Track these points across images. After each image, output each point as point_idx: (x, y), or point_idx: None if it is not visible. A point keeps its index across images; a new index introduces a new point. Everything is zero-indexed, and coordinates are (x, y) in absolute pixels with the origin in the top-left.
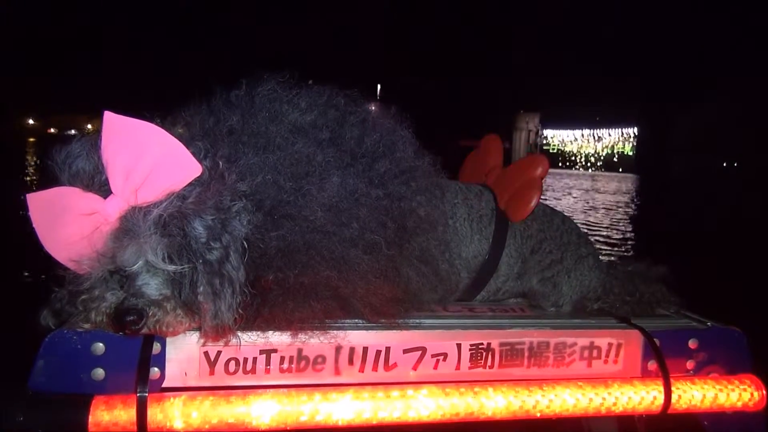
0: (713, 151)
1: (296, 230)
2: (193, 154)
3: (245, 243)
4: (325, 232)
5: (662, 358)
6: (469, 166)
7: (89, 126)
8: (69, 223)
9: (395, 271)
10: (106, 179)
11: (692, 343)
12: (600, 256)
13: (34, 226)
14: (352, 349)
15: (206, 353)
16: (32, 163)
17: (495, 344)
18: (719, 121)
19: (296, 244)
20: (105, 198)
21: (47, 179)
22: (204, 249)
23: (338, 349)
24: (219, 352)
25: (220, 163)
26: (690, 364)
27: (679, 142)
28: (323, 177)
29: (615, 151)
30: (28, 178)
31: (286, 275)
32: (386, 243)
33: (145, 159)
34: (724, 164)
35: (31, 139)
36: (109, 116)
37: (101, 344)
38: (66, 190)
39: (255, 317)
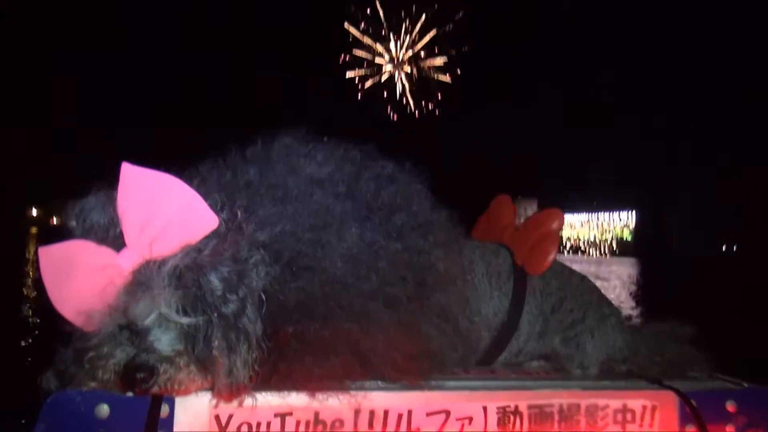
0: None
1: (315, 282)
2: (210, 206)
3: (263, 295)
4: (344, 285)
5: (702, 421)
6: (482, 227)
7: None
8: (80, 278)
9: (416, 327)
10: (121, 232)
11: (730, 406)
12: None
13: (43, 281)
14: (372, 412)
15: (217, 417)
16: (32, 257)
17: (523, 407)
18: (718, 204)
19: (315, 296)
20: (118, 251)
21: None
22: (220, 302)
23: (357, 411)
24: (231, 416)
25: (239, 212)
26: (730, 428)
27: (678, 225)
28: (342, 228)
29: (613, 235)
30: (28, 273)
31: (306, 328)
32: (406, 297)
33: (162, 210)
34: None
35: (34, 230)
36: (126, 168)
37: (106, 406)
38: (78, 244)
39: (271, 374)
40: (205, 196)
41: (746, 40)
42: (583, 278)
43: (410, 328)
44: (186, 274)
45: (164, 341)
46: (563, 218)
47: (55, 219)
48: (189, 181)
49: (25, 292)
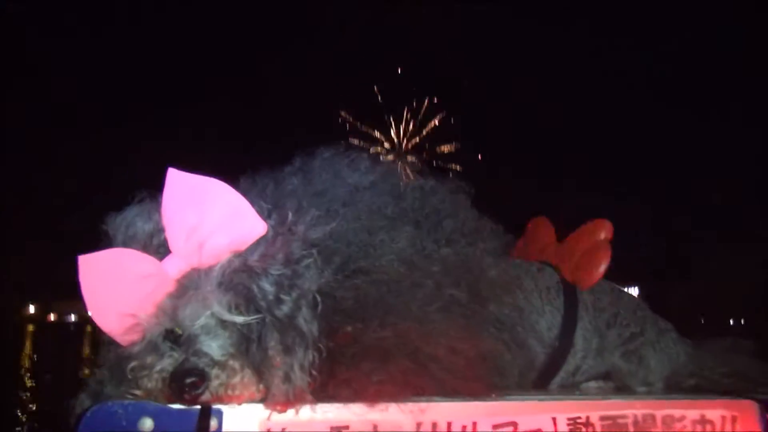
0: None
1: (370, 282)
2: (257, 212)
3: (317, 296)
4: (399, 288)
5: None
6: (521, 250)
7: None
8: (122, 287)
9: (475, 332)
10: (165, 240)
11: None
12: None
13: (82, 290)
14: (434, 425)
15: (269, 431)
16: (29, 354)
17: (595, 418)
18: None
19: (371, 297)
20: (161, 260)
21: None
22: (273, 303)
23: (419, 425)
24: (284, 430)
25: (289, 214)
26: None
27: (683, 301)
28: (393, 231)
29: None
30: (23, 370)
31: (363, 328)
32: (462, 303)
33: (209, 217)
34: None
35: (30, 328)
36: (172, 173)
37: (149, 420)
38: (121, 252)
39: (328, 380)
40: (253, 202)
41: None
42: (633, 296)
43: (469, 334)
44: (236, 278)
45: (215, 346)
46: (611, 227)
47: (52, 316)
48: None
49: (21, 394)
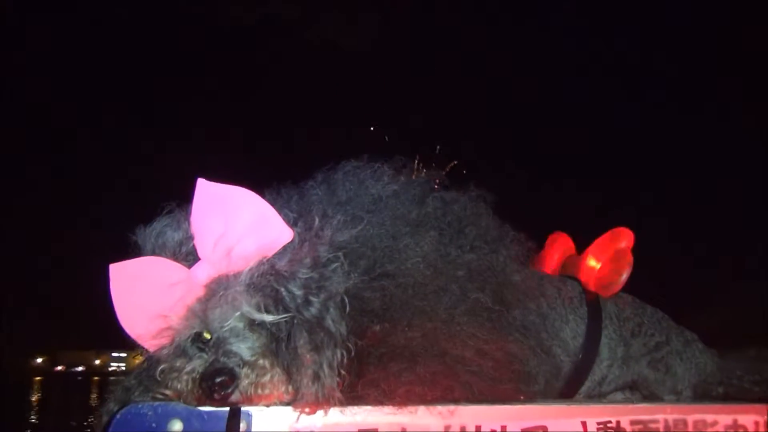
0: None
1: (396, 285)
2: (284, 220)
3: (345, 297)
4: (427, 291)
5: None
6: (539, 265)
7: (97, 361)
8: (151, 293)
9: (502, 335)
10: (194, 247)
11: None
12: None
13: (112, 298)
14: (462, 428)
15: None
16: (35, 405)
17: (625, 422)
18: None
19: (398, 299)
20: (190, 266)
21: None
22: (302, 305)
23: (447, 428)
24: None
25: (316, 219)
26: None
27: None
28: (417, 236)
29: None
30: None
31: (391, 329)
32: (487, 308)
33: (237, 224)
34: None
35: (38, 378)
36: (201, 183)
37: (179, 422)
38: (151, 260)
39: (357, 380)
40: (279, 210)
41: None
42: (655, 309)
43: (496, 337)
44: (264, 281)
45: (244, 347)
46: (632, 236)
47: (60, 366)
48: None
49: None
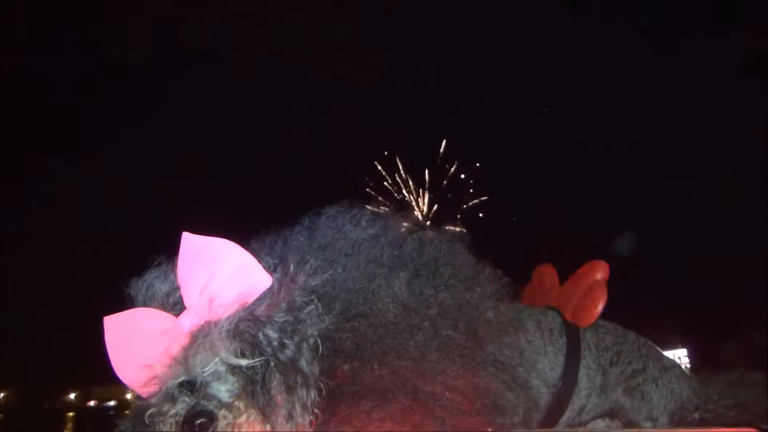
0: None
1: (368, 326)
2: (264, 267)
3: (318, 340)
4: (397, 330)
5: None
6: (528, 296)
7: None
8: (142, 343)
9: (473, 372)
10: (180, 297)
11: None
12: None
13: (107, 349)
14: None
15: None
16: None
17: None
18: None
19: (369, 339)
20: (178, 315)
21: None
22: (277, 348)
23: None
24: None
25: (291, 266)
26: None
27: (733, 357)
28: (391, 277)
29: None
30: None
31: (362, 368)
32: (460, 344)
33: (220, 274)
34: None
35: (70, 414)
36: (186, 237)
37: None
38: (141, 311)
39: (330, 418)
40: (258, 260)
41: None
42: (638, 336)
43: (466, 372)
44: (243, 327)
45: (223, 390)
46: (608, 268)
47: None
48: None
49: None
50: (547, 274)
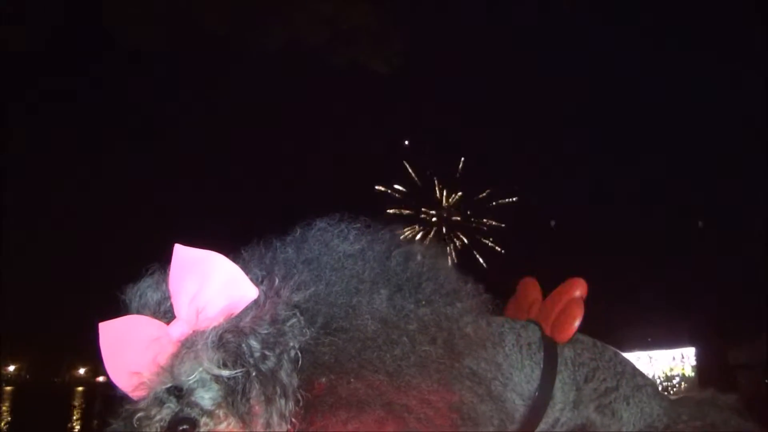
0: None
1: (348, 340)
2: (251, 279)
3: (298, 352)
4: (376, 344)
5: None
6: (511, 309)
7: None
8: (134, 348)
9: (448, 385)
10: (171, 306)
11: None
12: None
13: (102, 353)
14: None
15: None
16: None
17: None
18: None
19: (348, 352)
20: (168, 324)
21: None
22: (259, 359)
23: None
24: None
25: (276, 280)
26: None
27: (744, 357)
28: (372, 294)
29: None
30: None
31: (339, 380)
32: (437, 359)
33: (208, 285)
34: None
35: (80, 389)
36: (178, 248)
37: None
38: (134, 318)
39: (307, 428)
40: (247, 272)
41: None
42: (616, 353)
43: (442, 387)
44: (228, 338)
45: (206, 398)
46: (585, 286)
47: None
48: (234, 261)
49: None
50: (530, 287)
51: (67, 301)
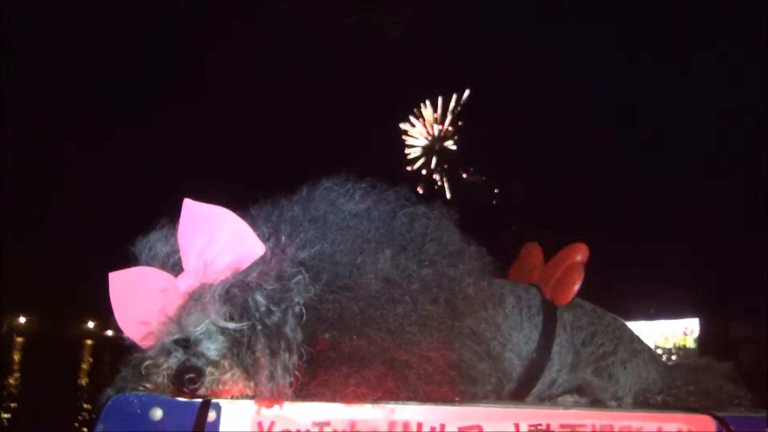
0: None
1: (351, 298)
2: (259, 236)
3: (303, 308)
4: (379, 303)
5: None
6: (514, 273)
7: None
8: (143, 299)
9: (448, 343)
10: (180, 259)
11: None
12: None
13: (111, 302)
14: (405, 424)
15: (260, 423)
16: (86, 368)
17: (555, 426)
18: None
19: (351, 310)
20: (176, 276)
21: None
22: (264, 314)
23: (392, 424)
24: (272, 423)
25: (283, 237)
26: None
27: (746, 330)
28: (376, 253)
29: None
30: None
31: (342, 337)
32: (438, 318)
33: (217, 240)
34: None
35: (89, 342)
36: (188, 203)
37: (159, 410)
38: (143, 270)
39: (310, 380)
40: (255, 229)
41: None
42: (615, 318)
43: (442, 345)
44: (234, 292)
45: (212, 349)
46: (587, 250)
47: (109, 332)
48: (242, 218)
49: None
50: (534, 252)
51: (76, 254)
